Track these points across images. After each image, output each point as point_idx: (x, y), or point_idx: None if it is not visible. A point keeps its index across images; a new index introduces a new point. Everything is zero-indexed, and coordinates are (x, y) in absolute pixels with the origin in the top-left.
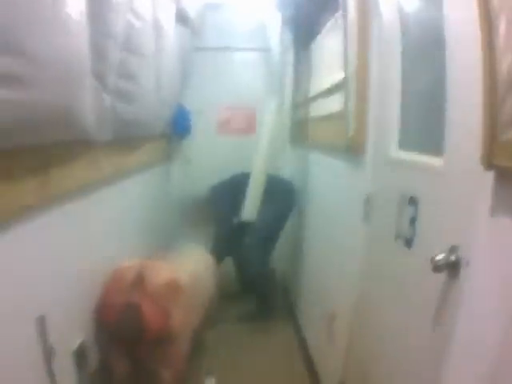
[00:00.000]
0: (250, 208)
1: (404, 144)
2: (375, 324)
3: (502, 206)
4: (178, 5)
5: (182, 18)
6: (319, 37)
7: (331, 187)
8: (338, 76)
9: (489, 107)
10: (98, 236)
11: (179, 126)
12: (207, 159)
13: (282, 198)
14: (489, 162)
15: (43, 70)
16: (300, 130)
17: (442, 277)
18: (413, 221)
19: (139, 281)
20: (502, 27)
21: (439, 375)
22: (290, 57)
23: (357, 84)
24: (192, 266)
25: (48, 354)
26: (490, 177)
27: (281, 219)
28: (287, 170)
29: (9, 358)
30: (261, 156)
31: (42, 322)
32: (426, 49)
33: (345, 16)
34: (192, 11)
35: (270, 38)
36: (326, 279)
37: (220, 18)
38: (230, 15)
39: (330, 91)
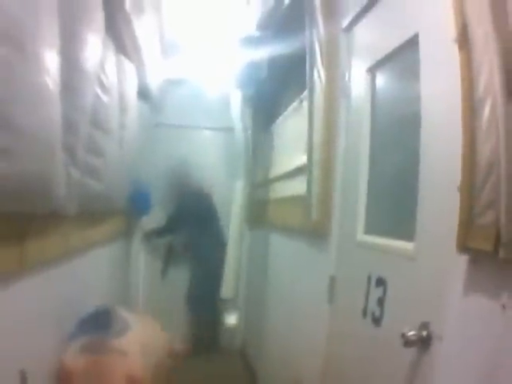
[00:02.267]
0: (229, 286)
1: (371, 228)
2: None
3: (475, 286)
4: (141, 79)
5: (143, 93)
6: (282, 117)
7: (294, 267)
8: (301, 159)
9: (467, 192)
10: (70, 297)
11: (139, 204)
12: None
13: None
14: (464, 245)
15: (24, 141)
16: (261, 211)
17: (412, 352)
18: (381, 300)
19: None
20: (484, 115)
21: None
22: (251, 136)
23: (321, 168)
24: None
25: None
26: (463, 259)
27: None
28: (245, 251)
29: None
30: (234, 236)
31: (23, 376)
32: (397, 129)
33: (311, 97)
34: (154, 86)
35: (232, 116)
36: (292, 353)
37: (182, 95)
38: (191, 92)
39: (292, 174)
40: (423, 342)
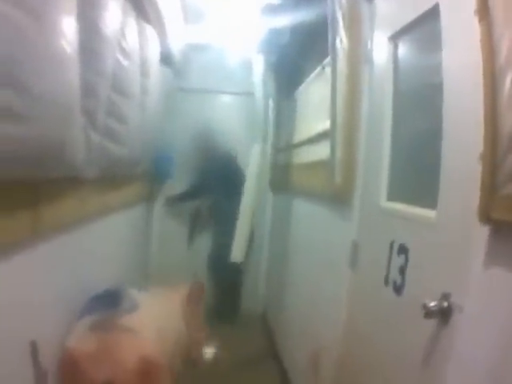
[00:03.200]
0: (239, 250)
1: (394, 195)
2: (364, 363)
3: (497, 257)
4: (163, 45)
5: (166, 59)
6: (305, 83)
7: (316, 232)
8: (324, 124)
9: (489, 161)
10: (88, 266)
11: (162, 168)
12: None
13: None
14: (486, 216)
15: (40, 105)
16: (283, 175)
17: (432, 322)
18: (402, 268)
19: (106, 363)
20: (506, 86)
21: None
22: (272, 101)
23: (345, 133)
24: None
25: (40, 378)
26: (484, 229)
27: None
28: (268, 214)
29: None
30: (247, 199)
31: (34, 346)
32: (419, 97)
33: (334, 63)
34: (176, 52)
35: (253, 82)
36: (311, 319)
37: (205, 60)
38: (214, 57)
39: (316, 139)
40: (443, 313)
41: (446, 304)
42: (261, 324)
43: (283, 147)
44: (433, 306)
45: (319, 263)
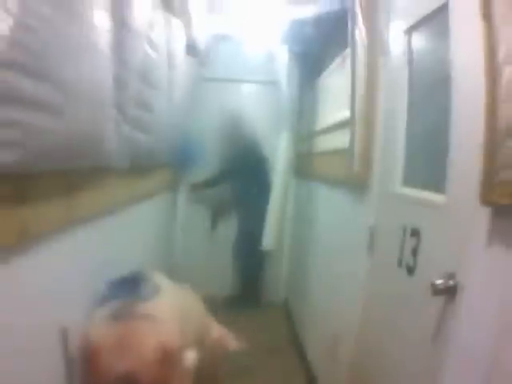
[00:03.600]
0: (270, 237)
1: (408, 181)
2: (378, 344)
3: (497, 238)
4: (188, 35)
5: (191, 49)
6: (325, 73)
7: (336, 218)
8: (344, 114)
9: (488, 149)
10: (115, 253)
11: (187, 157)
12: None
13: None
14: (487, 199)
15: (76, 99)
16: (305, 163)
17: (440, 300)
18: (414, 250)
19: (126, 352)
20: (504, 79)
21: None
22: (296, 91)
23: (363, 123)
24: (177, 313)
25: (70, 364)
26: (486, 212)
27: None
28: (291, 201)
29: (34, 365)
30: (277, 188)
31: (64, 333)
32: (432, 88)
33: (353, 55)
34: (201, 42)
35: (277, 71)
36: (331, 304)
37: (228, 50)
38: (238, 47)
39: (335, 128)
40: (450, 291)
41: (451, 282)
42: (282, 311)
43: (305, 135)
44: (439, 285)
45: (338, 249)
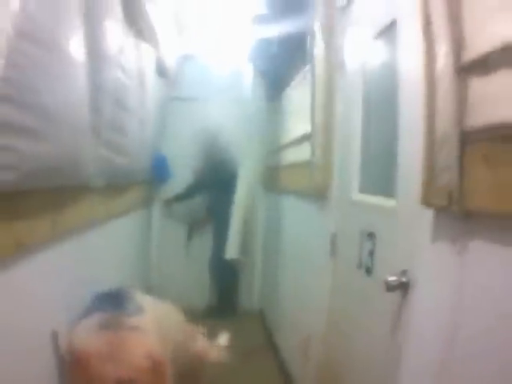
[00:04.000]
0: (233, 247)
1: (364, 188)
2: (344, 340)
3: (439, 236)
4: (157, 57)
5: (160, 69)
6: (289, 88)
7: (301, 227)
8: (305, 127)
9: (427, 157)
10: (94, 265)
11: (159, 173)
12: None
13: None
14: (427, 202)
15: (57, 126)
16: (273, 176)
17: (396, 296)
18: (371, 252)
19: (118, 360)
20: (440, 93)
21: (397, 374)
22: (262, 106)
23: (323, 135)
24: (161, 326)
25: (61, 365)
26: (430, 214)
27: None
28: (261, 212)
29: (27, 366)
30: (240, 199)
31: (55, 336)
32: (383, 101)
33: (312, 70)
34: (170, 63)
35: (243, 88)
36: (301, 306)
37: (196, 70)
38: (205, 67)
39: (299, 141)
40: (404, 288)
41: (404, 279)
42: (258, 319)
43: (274, 149)
44: (393, 281)
45: (305, 255)
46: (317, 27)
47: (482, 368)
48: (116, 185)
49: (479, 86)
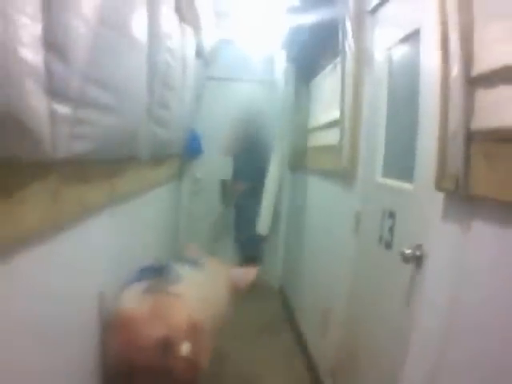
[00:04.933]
0: (264, 223)
1: (386, 172)
2: (364, 312)
3: (448, 215)
4: (198, 40)
5: (198, 52)
6: (319, 76)
7: (327, 206)
8: (334, 114)
9: (440, 148)
10: (139, 229)
11: (192, 148)
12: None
13: None
14: (439, 187)
15: (124, 102)
16: (301, 157)
17: (411, 268)
18: (391, 229)
19: (165, 341)
20: (453, 95)
21: (409, 340)
22: (292, 90)
23: (351, 122)
24: (205, 290)
25: (106, 326)
26: (441, 197)
27: None
28: (286, 192)
29: (74, 325)
30: (271, 179)
31: (102, 297)
32: (406, 96)
33: (343, 63)
34: (207, 45)
35: (275, 71)
36: (322, 281)
37: (231, 52)
38: (240, 50)
39: (327, 126)
40: (417, 260)
41: (418, 253)
42: (279, 295)
43: (301, 131)
44: (408, 253)
45: (329, 232)
46: (348, 25)
47: (483, 332)
48: (158, 157)
49: (483, 96)
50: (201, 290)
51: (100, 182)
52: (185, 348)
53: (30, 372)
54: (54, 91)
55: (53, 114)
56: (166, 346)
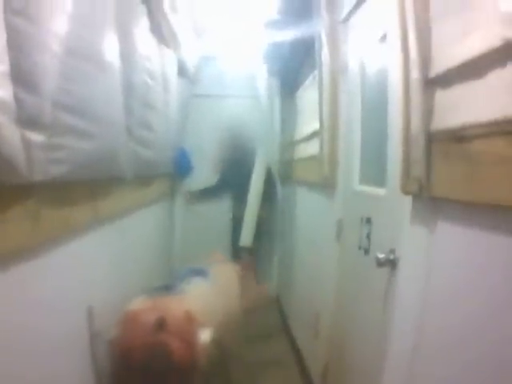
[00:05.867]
0: (246, 235)
1: (363, 179)
2: (348, 315)
3: (415, 218)
4: (179, 58)
5: (182, 70)
6: (301, 88)
7: (313, 215)
8: (315, 125)
9: (404, 153)
10: (127, 249)
11: (182, 167)
12: None
13: None
14: (405, 190)
15: (101, 126)
16: (287, 169)
17: (386, 272)
18: (368, 235)
19: (160, 320)
20: (414, 100)
21: (387, 341)
22: (276, 104)
23: (329, 132)
24: (210, 291)
25: (94, 337)
26: (409, 200)
27: None
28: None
29: (62, 339)
30: (254, 191)
31: (90, 311)
32: (379, 104)
33: (320, 74)
34: (190, 63)
35: (258, 86)
36: (311, 288)
37: (214, 69)
38: (223, 66)
39: (309, 137)
40: (392, 264)
41: (392, 257)
42: (275, 306)
43: (288, 143)
44: (382, 258)
45: (315, 241)
46: (323, 35)
47: (450, 329)
48: (143, 177)
49: (442, 96)
50: (205, 300)
51: (83, 203)
52: (205, 335)
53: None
54: (26, 121)
55: (26, 142)
56: (161, 325)
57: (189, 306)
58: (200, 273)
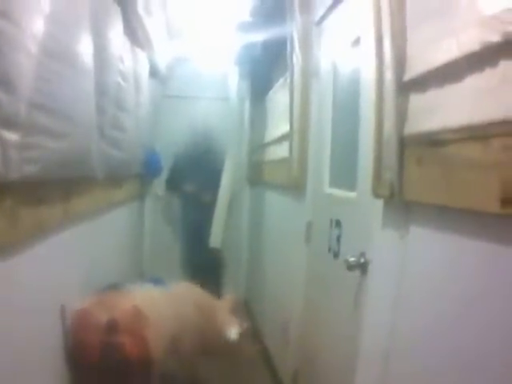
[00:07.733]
0: (216, 236)
1: (333, 182)
2: (318, 320)
3: (386, 223)
4: (151, 60)
5: (153, 71)
6: (272, 91)
7: (282, 217)
8: (285, 127)
9: (376, 157)
10: (98, 248)
11: (151, 168)
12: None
13: None
14: (376, 193)
15: (71, 126)
16: (257, 171)
17: (357, 276)
18: (338, 238)
19: (109, 316)
20: (387, 104)
21: (358, 343)
22: (247, 106)
23: (299, 135)
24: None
25: (67, 334)
26: (380, 203)
27: None
28: (246, 205)
29: (35, 338)
30: (223, 192)
31: (63, 309)
32: (350, 107)
33: (291, 76)
34: (162, 64)
35: (229, 88)
36: (280, 292)
37: (187, 70)
38: (195, 68)
39: (279, 140)
40: (362, 267)
41: (362, 260)
42: (243, 310)
43: (257, 146)
44: (352, 262)
45: (283, 244)
46: (295, 37)
47: (421, 331)
48: (114, 177)
49: (416, 100)
50: (152, 301)
51: (56, 202)
52: (235, 330)
53: None
54: (1, 120)
55: (2, 141)
56: (112, 327)
57: (135, 301)
58: (156, 281)
